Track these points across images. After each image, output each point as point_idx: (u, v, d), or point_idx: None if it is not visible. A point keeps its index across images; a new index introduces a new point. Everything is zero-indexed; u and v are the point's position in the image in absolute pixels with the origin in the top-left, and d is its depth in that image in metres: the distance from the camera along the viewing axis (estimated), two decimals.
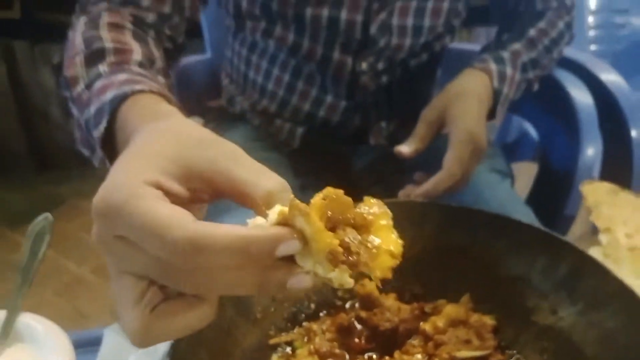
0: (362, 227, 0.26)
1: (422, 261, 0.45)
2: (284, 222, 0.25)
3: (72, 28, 0.54)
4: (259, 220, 0.26)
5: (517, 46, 0.71)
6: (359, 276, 0.26)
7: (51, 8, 1.63)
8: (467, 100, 0.62)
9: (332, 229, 0.25)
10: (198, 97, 0.98)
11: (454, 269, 0.45)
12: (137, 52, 0.49)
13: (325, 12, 0.67)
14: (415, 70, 0.77)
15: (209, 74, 0.98)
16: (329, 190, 0.26)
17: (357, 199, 0.28)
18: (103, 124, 0.40)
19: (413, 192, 0.59)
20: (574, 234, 0.77)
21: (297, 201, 0.25)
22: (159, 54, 0.53)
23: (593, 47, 1.23)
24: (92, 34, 0.50)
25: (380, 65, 0.73)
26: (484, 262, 0.44)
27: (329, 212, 0.25)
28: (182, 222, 0.24)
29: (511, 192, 0.75)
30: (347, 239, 0.25)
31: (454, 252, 0.46)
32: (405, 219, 0.47)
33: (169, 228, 0.24)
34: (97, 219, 0.26)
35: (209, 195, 0.28)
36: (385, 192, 0.77)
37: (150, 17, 0.56)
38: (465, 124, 0.60)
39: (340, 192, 0.26)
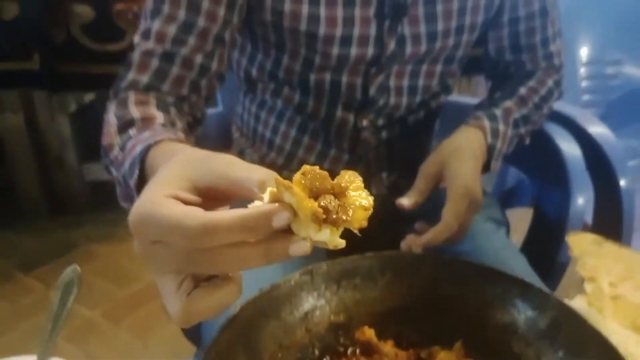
0: (340, 193, 0.31)
1: (418, 310, 0.48)
2: (275, 199, 0.31)
3: (106, 111, 0.62)
4: (257, 202, 0.32)
5: (508, 104, 0.77)
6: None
7: (68, 60, 1.73)
8: (463, 157, 0.68)
9: (315, 198, 0.31)
10: (210, 148, 1.04)
11: (447, 318, 0.49)
12: (160, 118, 0.58)
13: (327, 76, 0.73)
14: (413, 126, 0.82)
15: (220, 126, 1.03)
16: (305, 168, 0.31)
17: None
18: (136, 173, 0.48)
19: (414, 243, 0.64)
20: (568, 280, 0.81)
21: (281, 179, 0.31)
22: (179, 121, 0.60)
23: (586, 97, 1.29)
24: (123, 111, 0.59)
25: (380, 122, 0.78)
26: (475, 311, 0.48)
27: (310, 185, 0.31)
28: (194, 214, 0.31)
29: (506, 240, 0.79)
30: (324, 203, 0.30)
31: (447, 301, 0.49)
32: (402, 271, 0.51)
33: (185, 219, 0.30)
34: (135, 233, 0.33)
35: (220, 198, 0.35)
36: (387, 239, 0.81)
37: (170, 99, 0.64)
38: (462, 180, 0.65)
39: (316, 168, 0.31)
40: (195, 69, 0.64)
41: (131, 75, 0.63)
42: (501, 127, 0.73)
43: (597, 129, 0.86)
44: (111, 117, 0.60)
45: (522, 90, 0.79)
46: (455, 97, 1.00)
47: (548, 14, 0.78)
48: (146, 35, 0.64)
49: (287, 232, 0.31)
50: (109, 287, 1.67)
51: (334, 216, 0.30)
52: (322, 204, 0.30)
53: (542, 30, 0.78)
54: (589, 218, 0.93)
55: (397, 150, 0.83)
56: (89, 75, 1.75)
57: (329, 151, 0.80)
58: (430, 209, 0.67)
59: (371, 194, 0.33)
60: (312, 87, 0.75)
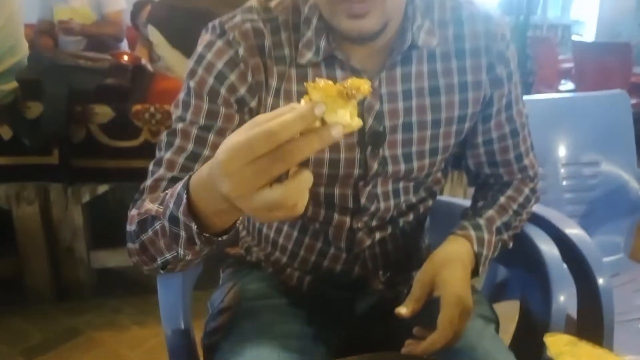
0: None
1: None
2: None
3: (128, 222, 0.70)
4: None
5: (490, 213, 0.85)
6: None
7: (85, 155, 1.85)
8: (454, 267, 0.75)
9: None
10: (218, 245, 1.11)
11: None
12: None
13: (321, 189, 0.82)
14: (404, 226, 0.89)
15: None
16: (316, 80, 0.44)
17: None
18: (184, 199, 0.54)
19: (414, 349, 0.71)
20: None
21: (311, 82, 0.44)
22: None
23: (568, 195, 1.38)
24: (139, 210, 0.67)
25: (373, 223, 0.86)
26: None
27: (324, 86, 0.44)
28: (266, 121, 0.43)
29: (495, 337, 0.84)
30: (342, 88, 0.43)
31: None
32: None
33: (263, 128, 0.43)
34: (228, 172, 0.45)
35: None
36: (384, 334, 0.86)
37: None
38: (453, 290, 0.72)
39: (322, 79, 0.45)
40: None
41: (144, 198, 0.71)
42: (486, 235, 0.81)
43: (573, 231, 0.94)
44: (132, 218, 0.68)
45: (502, 200, 0.87)
46: (444, 197, 1.09)
47: (519, 133, 0.86)
48: (158, 163, 0.74)
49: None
50: None
51: (353, 92, 0.43)
52: (341, 89, 0.44)
53: (514, 148, 0.87)
54: (574, 312, 0.99)
55: (390, 250, 0.89)
56: (103, 169, 1.86)
57: (328, 250, 0.88)
58: (424, 308, 0.74)
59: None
60: (309, 198, 0.83)
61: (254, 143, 0.43)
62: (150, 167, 0.75)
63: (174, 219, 0.57)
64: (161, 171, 0.73)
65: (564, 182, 1.38)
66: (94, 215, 2.03)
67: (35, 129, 1.75)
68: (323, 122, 0.44)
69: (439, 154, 0.82)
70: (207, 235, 0.55)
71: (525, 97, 1.38)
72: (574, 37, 5.24)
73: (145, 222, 0.65)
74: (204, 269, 1.01)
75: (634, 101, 3.57)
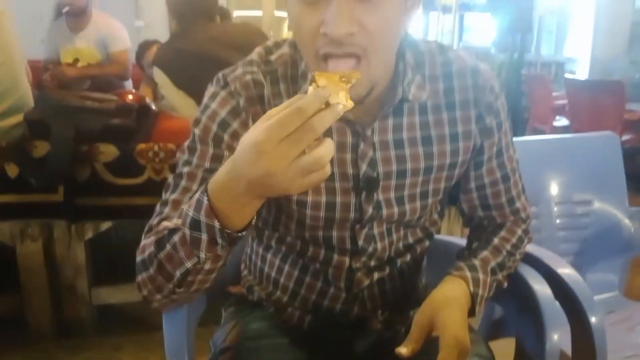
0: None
1: None
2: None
3: (139, 252, 0.74)
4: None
5: (485, 254, 0.88)
6: None
7: (89, 193, 1.88)
8: (451, 308, 0.77)
9: None
10: (220, 283, 1.14)
11: None
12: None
13: (320, 233, 0.86)
14: (402, 266, 0.92)
15: (230, 264, 1.15)
16: (320, 71, 0.62)
17: None
18: (205, 201, 0.62)
19: None
20: None
21: (317, 72, 0.60)
22: None
23: (562, 234, 1.41)
24: (153, 233, 0.73)
25: (372, 263, 0.89)
26: None
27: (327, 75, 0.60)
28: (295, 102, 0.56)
29: None
30: (341, 74, 0.59)
31: None
32: None
33: (296, 106, 0.54)
34: (266, 146, 0.54)
35: None
36: None
37: None
38: (451, 330, 0.74)
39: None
40: None
41: (150, 235, 0.75)
42: (481, 276, 0.84)
43: (565, 270, 0.97)
44: (145, 241, 0.74)
45: (496, 241, 0.91)
46: (441, 236, 1.12)
47: (510, 178, 0.91)
48: (164, 203, 0.78)
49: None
50: None
51: (348, 77, 0.59)
52: (341, 75, 0.59)
53: (506, 192, 0.91)
54: (569, 349, 1.01)
55: (388, 289, 0.92)
56: (107, 206, 1.89)
57: (328, 290, 0.90)
58: (423, 348, 0.76)
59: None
60: (309, 240, 0.87)
61: (287, 121, 0.54)
62: (157, 207, 0.78)
63: (195, 224, 0.63)
64: (167, 210, 0.77)
65: (558, 221, 1.41)
66: (95, 252, 2.04)
67: (42, 167, 1.78)
68: (327, 104, 0.56)
69: (430, 197, 0.86)
70: (229, 232, 0.62)
71: (519, 139, 1.45)
72: (567, 75, 5.35)
73: (162, 239, 0.70)
74: (207, 307, 1.04)
75: (627, 137, 3.67)
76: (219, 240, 0.64)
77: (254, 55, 0.83)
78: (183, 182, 0.78)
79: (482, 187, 0.91)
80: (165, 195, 0.79)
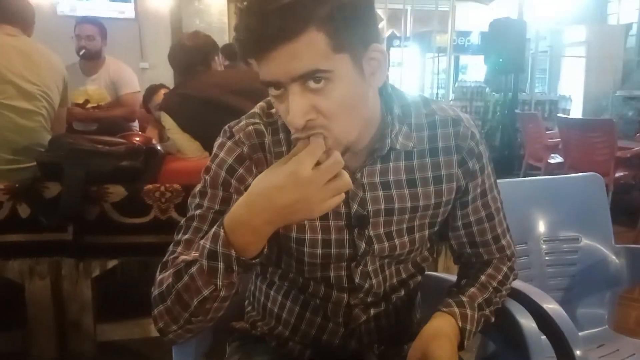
0: None
1: None
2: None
3: (155, 286, 0.81)
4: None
5: (472, 290, 0.95)
6: None
7: (97, 231, 1.94)
8: (441, 342, 0.84)
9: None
10: (223, 319, 1.19)
11: None
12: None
13: (318, 273, 0.93)
14: (397, 302, 0.99)
15: (234, 302, 1.20)
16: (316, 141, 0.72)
17: None
18: (221, 234, 0.73)
19: None
20: None
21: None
22: None
23: (551, 270, 1.47)
24: (171, 266, 0.81)
25: (369, 299, 0.95)
26: None
27: None
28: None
29: None
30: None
31: None
32: None
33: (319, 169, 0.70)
34: (305, 181, 0.69)
35: None
36: None
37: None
38: None
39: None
40: None
41: (166, 270, 0.82)
42: (469, 312, 0.90)
43: (550, 305, 1.03)
44: (161, 276, 0.81)
45: (483, 278, 0.97)
46: (434, 273, 1.19)
47: (494, 217, 0.98)
48: (177, 244, 0.85)
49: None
50: None
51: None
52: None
53: (491, 230, 0.98)
54: None
55: (384, 325, 0.98)
56: (114, 244, 1.95)
57: (327, 325, 0.96)
58: None
59: None
60: (308, 276, 0.94)
61: (314, 177, 0.70)
62: (170, 247, 0.86)
63: (212, 254, 0.74)
64: (179, 249, 0.84)
65: (547, 257, 1.48)
66: (101, 289, 2.09)
67: (53, 207, 1.85)
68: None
69: (417, 232, 0.93)
70: (244, 259, 0.73)
71: (509, 180, 1.54)
72: (559, 115, 5.49)
73: (180, 271, 0.78)
74: (213, 342, 1.09)
75: (620, 174, 3.75)
76: (235, 268, 0.74)
77: (257, 109, 0.92)
78: (195, 223, 0.85)
79: (469, 224, 0.98)
80: (177, 236, 0.86)
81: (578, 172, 1.68)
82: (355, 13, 0.72)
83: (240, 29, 0.71)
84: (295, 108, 0.72)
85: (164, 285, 0.79)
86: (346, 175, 0.71)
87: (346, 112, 0.75)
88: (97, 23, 3.13)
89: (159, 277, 0.82)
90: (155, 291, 0.81)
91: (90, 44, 3.05)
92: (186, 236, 0.85)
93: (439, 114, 0.92)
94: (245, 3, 0.70)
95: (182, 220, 0.88)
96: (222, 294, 0.76)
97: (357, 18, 0.72)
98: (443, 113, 0.92)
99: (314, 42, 0.69)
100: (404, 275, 0.98)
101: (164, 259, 0.84)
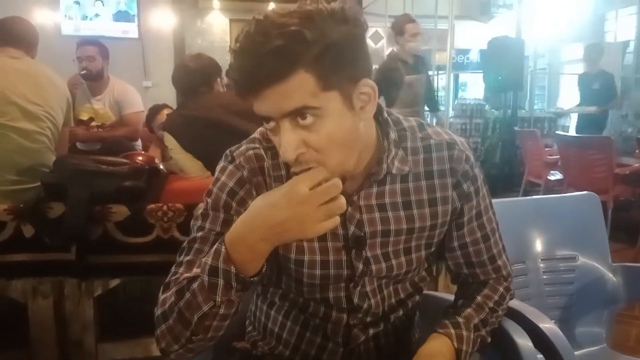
0: None
1: None
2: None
3: (158, 306, 0.83)
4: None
5: (468, 311, 0.96)
6: None
7: (100, 251, 1.96)
8: None
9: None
10: (225, 339, 1.21)
11: None
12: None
13: (317, 294, 0.95)
14: (395, 322, 1.01)
15: (235, 321, 1.22)
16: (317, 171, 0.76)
17: None
18: (223, 250, 0.76)
19: None
20: None
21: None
22: None
23: (549, 288, 1.49)
24: (173, 285, 0.84)
25: (368, 320, 0.97)
26: None
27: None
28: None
29: None
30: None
31: None
32: None
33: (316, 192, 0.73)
34: (299, 200, 0.72)
35: None
36: None
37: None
38: None
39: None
40: None
41: (169, 290, 0.84)
42: (464, 333, 0.92)
43: (546, 325, 1.05)
44: (163, 295, 0.83)
45: (479, 298, 0.99)
46: (432, 292, 1.20)
47: (490, 238, 1.00)
48: (179, 265, 0.88)
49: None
50: None
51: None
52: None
53: (487, 250, 1.00)
54: None
55: (383, 344, 1.00)
56: (116, 263, 1.97)
57: (327, 345, 0.98)
58: None
59: None
60: (308, 296, 0.96)
61: (311, 200, 0.73)
62: (172, 268, 0.88)
63: (213, 270, 0.76)
64: (181, 270, 0.86)
65: (544, 276, 1.49)
66: (103, 308, 2.10)
67: (57, 227, 1.87)
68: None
69: (414, 253, 0.95)
70: (242, 276, 0.76)
71: (506, 199, 1.56)
72: (558, 132, 5.53)
73: (182, 289, 0.81)
74: None
75: (619, 191, 3.76)
76: (234, 284, 0.76)
77: (257, 134, 0.95)
78: (196, 245, 0.88)
79: (465, 245, 1.00)
80: (180, 258, 0.89)
81: (577, 189, 1.71)
82: (343, 54, 0.75)
83: (234, 69, 0.75)
84: (286, 143, 0.76)
85: (167, 305, 0.82)
86: (342, 199, 0.73)
87: (337, 146, 0.78)
88: (96, 43, 3.18)
89: (161, 297, 0.84)
90: (158, 311, 0.83)
91: (91, 65, 3.10)
92: (188, 257, 0.87)
93: (434, 138, 0.94)
94: (238, 45, 0.74)
95: (185, 242, 0.90)
96: (221, 311, 0.78)
97: (345, 58, 0.76)
98: (438, 137, 0.95)
99: (303, 83, 0.73)
100: (402, 295, 1.00)
101: (167, 280, 0.86)
